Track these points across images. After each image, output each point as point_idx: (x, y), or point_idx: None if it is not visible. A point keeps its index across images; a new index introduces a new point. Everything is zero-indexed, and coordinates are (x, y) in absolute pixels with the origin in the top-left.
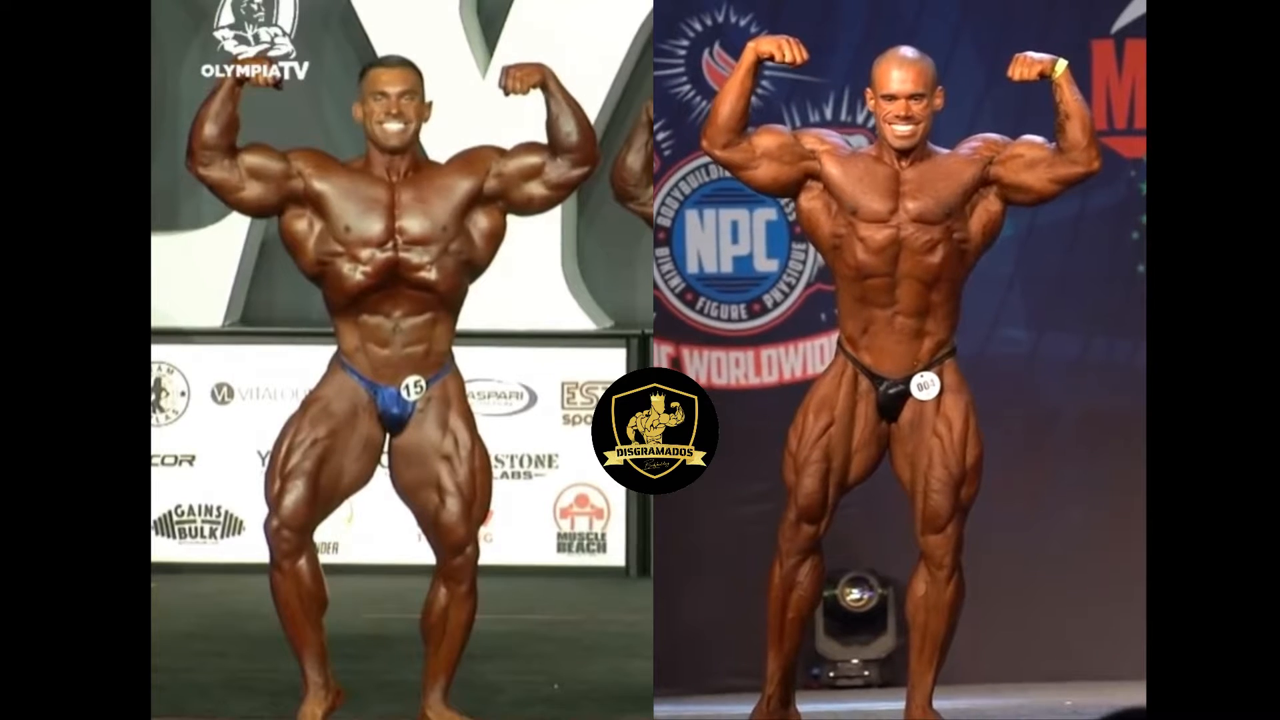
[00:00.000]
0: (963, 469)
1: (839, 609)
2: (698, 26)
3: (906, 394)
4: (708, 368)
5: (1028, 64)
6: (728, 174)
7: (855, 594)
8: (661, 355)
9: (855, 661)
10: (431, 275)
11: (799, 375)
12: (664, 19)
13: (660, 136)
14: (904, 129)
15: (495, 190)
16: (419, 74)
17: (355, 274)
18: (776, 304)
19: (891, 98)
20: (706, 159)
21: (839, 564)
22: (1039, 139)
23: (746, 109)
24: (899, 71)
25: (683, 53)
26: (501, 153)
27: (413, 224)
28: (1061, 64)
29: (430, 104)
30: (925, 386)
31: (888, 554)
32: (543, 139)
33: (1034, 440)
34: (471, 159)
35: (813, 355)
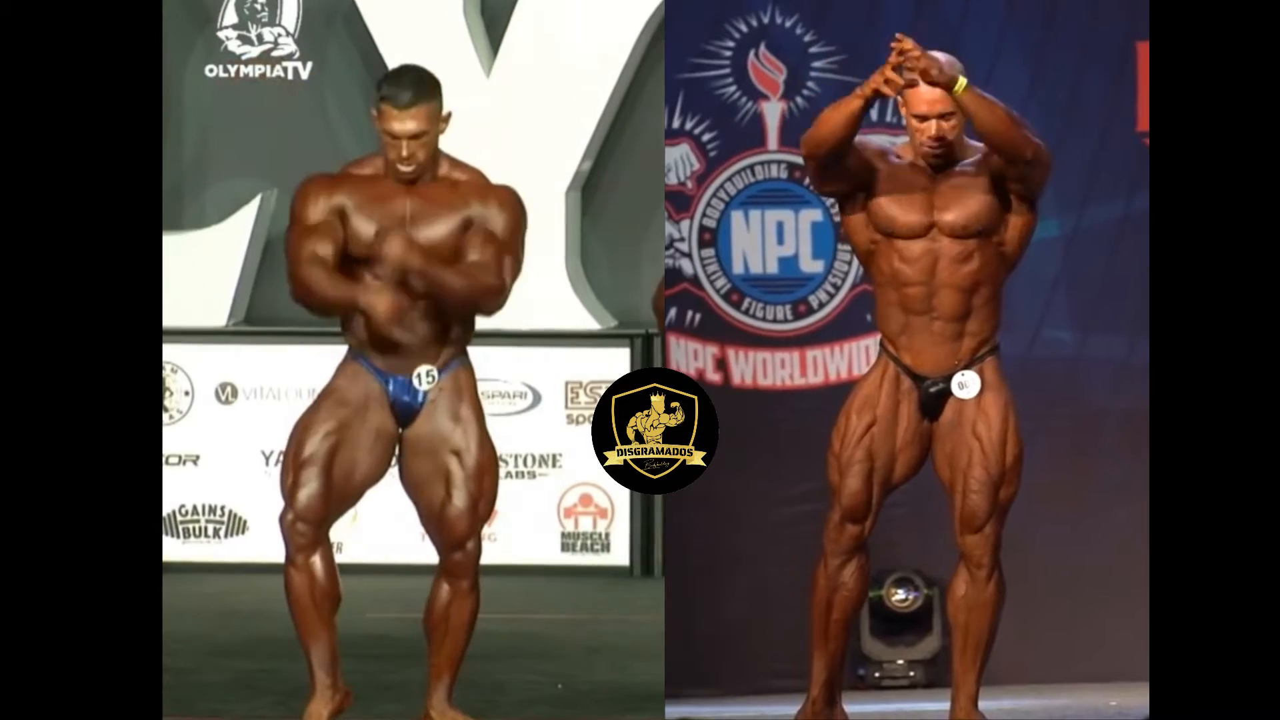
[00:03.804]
0: (1002, 469)
1: (884, 609)
2: (743, 27)
3: (948, 393)
4: (753, 368)
5: (916, 60)
6: (774, 175)
7: (901, 594)
8: (707, 356)
9: (901, 662)
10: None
11: (844, 376)
12: (709, 20)
13: (706, 138)
14: (937, 149)
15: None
16: (433, 93)
17: (374, 285)
18: (822, 305)
19: (922, 118)
20: (753, 160)
21: (884, 564)
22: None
23: (852, 140)
24: (928, 92)
25: (728, 53)
26: (480, 215)
27: (422, 237)
28: (961, 83)
29: (449, 115)
30: (966, 385)
31: (934, 554)
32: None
33: (1080, 441)
34: (458, 198)
35: (858, 356)
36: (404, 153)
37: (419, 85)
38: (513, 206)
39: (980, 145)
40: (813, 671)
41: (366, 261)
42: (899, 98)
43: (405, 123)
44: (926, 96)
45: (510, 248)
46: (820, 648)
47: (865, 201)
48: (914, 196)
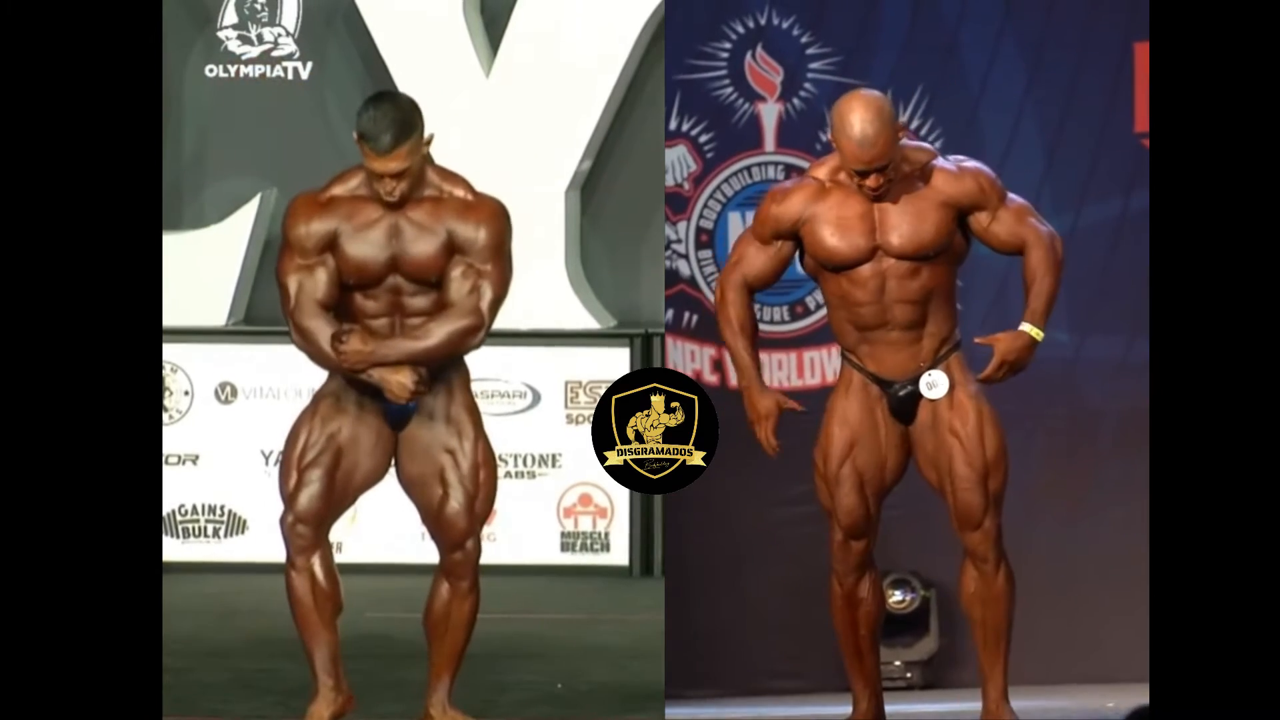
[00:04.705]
0: (985, 462)
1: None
2: (740, 29)
3: (917, 395)
4: None
5: (1014, 362)
6: (771, 177)
7: (898, 596)
8: (704, 357)
9: (898, 663)
10: (430, 301)
11: None
12: (706, 21)
13: (703, 139)
14: (875, 195)
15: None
16: (412, 129)
17: (364, 303)
18: (819, 305)
19: (862, 174)
20: (749, 161)
21: (881, 566)
22: (1018, 210)
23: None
24: (860, 151)
25: (725, 55)
26: (461, 235)
27: (409, 258)
28: (1036, 333)
29: (431, 138)
30: (934, 385)
31: (930, 555)
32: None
33: (1077, 441)
34: (440, 216)
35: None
36: (387, 189)
37: (397, 128)
38: (493, 221)
39: (927, 149)
40: (855, 690)
41: (357, 285)
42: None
43: (387, 164)
44: (863, 156)
45: (492, 270)
46: (856, 668)
47: (805, 236)
48: (855, 223)
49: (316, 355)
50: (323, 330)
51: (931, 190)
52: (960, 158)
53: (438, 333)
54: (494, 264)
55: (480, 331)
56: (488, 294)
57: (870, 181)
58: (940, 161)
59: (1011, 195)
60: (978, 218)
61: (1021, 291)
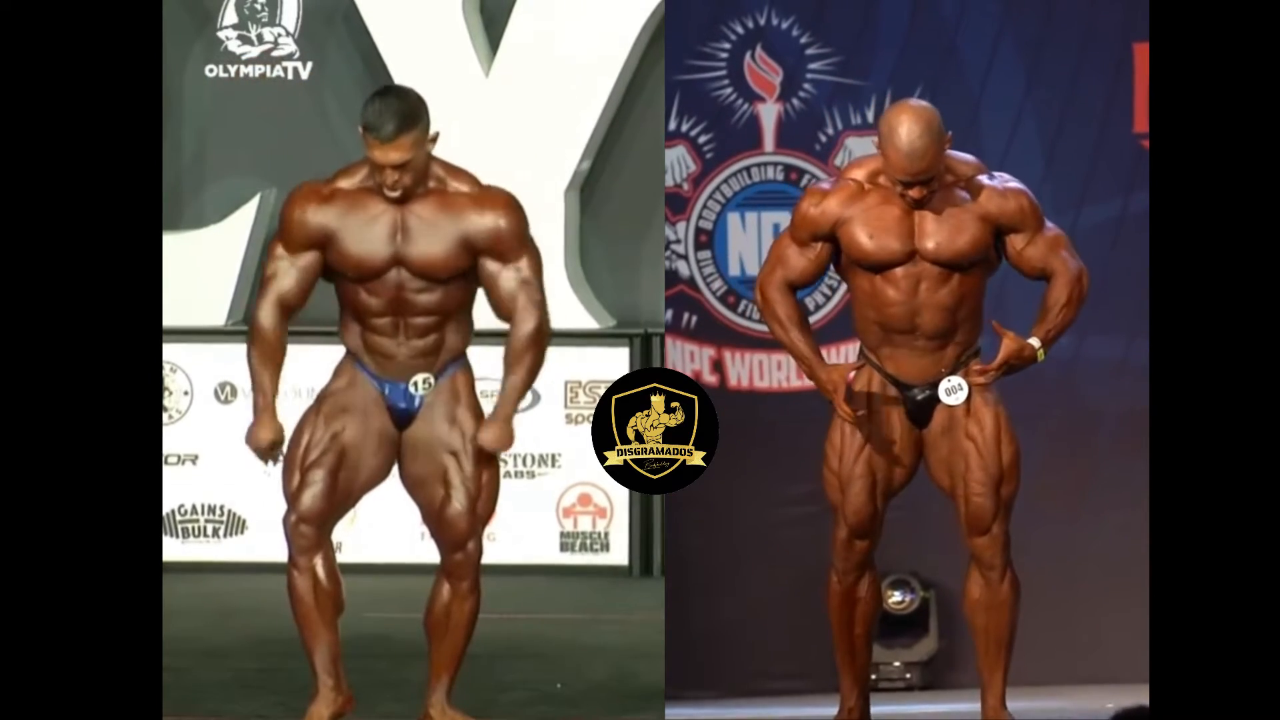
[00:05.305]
0: (1000, 468)
1: (881, 611)
2: (739, 29)
3: (935, 400)
4: (750, 370)
5: (1014, 367)
6: (770, 177)
7: (897, 596)
8: (704, 358)
9: (897, 664)
10: (434, 299)
11: None
12: (706, 21)
13: (703, 140)
14: (916, 204)
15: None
16: (416, 121)
17: (368, 299)
18: (819, 306)
19: (907, 185)
20: (748, 162)
21: (881, 566)
22: (1053, 238)
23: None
24: (908, 163)
25: (724, 55)
26: (482, 232)
27: (415, 253)
28: (1041, 354)
29: (436, 135)
30: (954, 391)
31: (930, 556)
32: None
33: (1076, 442)
34: (452, 214)
35: (854, 358)
36: (389, 180)
37: (401, 117)
38: (512, 212)
39: (973, 162)
40: (843, 689)
41: (358, 279)
42: (877, 143)
43: (389, 154)
44: (910, 168)
45: (525, 261)
46: (847, 664)
47: (842, 237)
48: (892, 226)
49: (250, 354)
50: (267, 351)
51: (974, 204)
52: (1005, 176)
53: (525, 356)
54: (524, 252)
55: (546, 322)
56: (532, 283)
57: (914, 192)
58: (985, 177)
59: (1049, 224)
60: (1014, 239)
61: (1018, 297)
